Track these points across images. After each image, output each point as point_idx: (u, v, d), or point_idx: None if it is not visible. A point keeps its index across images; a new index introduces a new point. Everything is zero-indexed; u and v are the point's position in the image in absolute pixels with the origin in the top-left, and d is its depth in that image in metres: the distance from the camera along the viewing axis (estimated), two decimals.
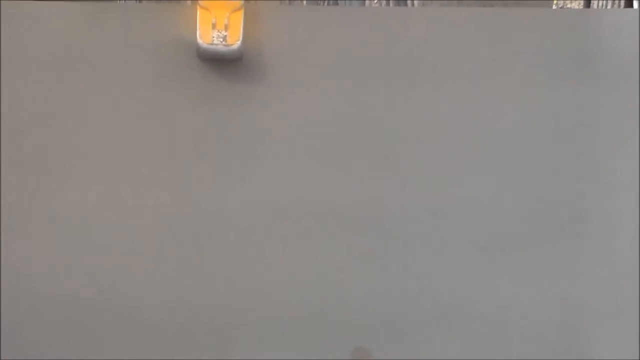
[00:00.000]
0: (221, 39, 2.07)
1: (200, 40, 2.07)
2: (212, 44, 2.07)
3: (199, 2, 2.08)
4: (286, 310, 2.17)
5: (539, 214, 2.20)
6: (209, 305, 2.16)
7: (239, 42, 2.07)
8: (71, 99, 2.12)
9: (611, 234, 2.18)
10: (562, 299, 2.20)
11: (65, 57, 2.12)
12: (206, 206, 2.15)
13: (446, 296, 2.19)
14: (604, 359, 2.16)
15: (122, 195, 2.14)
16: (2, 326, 2.10)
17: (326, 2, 7.99)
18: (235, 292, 2.17)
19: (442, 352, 2.18)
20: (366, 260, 2.18)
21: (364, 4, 6.75)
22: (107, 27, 2.11)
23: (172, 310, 2.15)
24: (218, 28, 2.06)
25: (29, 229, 2.13)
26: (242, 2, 2.10)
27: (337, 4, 7.30)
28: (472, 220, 2.19)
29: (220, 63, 2.12)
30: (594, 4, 6.23)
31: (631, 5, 4.95)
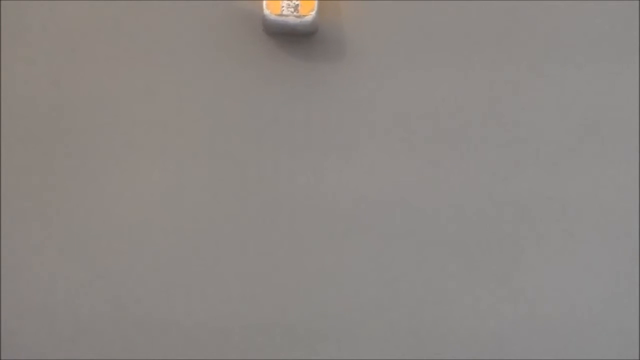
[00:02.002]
0: (292, 9, 1.99)
1: (267, 11, 1.98)
2: (281, 15, 1.98)
3: None
4: (365, 309, 2.11)
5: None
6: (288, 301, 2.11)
7: (313, 13, 1.98)
8: (130, 77, 2.07)
9: None
10: None
11: (126, 33, 2.07)
12: (272, 193, 2.10)
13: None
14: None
15: (183, 178, 2.09)
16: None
17: None
18: (310, 288, 2.11)
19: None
20: (452, 259, 2.10)
21: None
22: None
23: (249, 309, 2.09)
24: None
25: (92, 205, 2.08)
26: None
27: None
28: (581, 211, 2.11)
29: (291, 38, 2.05)
30: None
31: None
